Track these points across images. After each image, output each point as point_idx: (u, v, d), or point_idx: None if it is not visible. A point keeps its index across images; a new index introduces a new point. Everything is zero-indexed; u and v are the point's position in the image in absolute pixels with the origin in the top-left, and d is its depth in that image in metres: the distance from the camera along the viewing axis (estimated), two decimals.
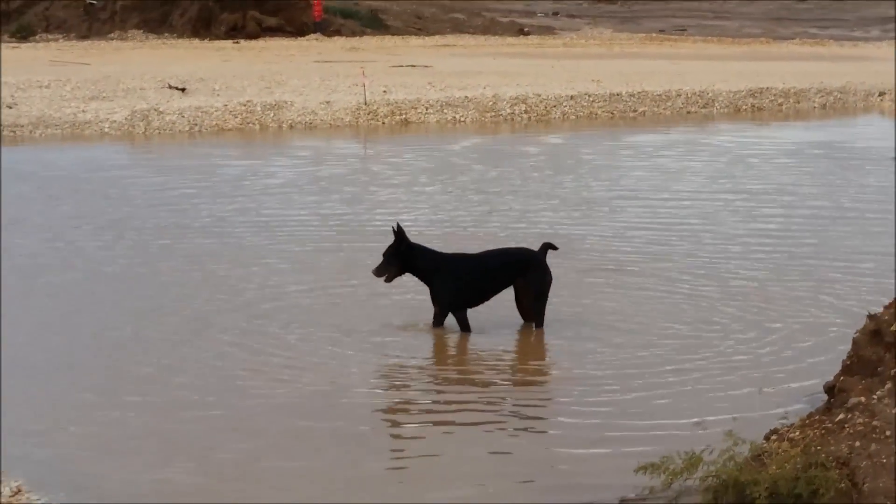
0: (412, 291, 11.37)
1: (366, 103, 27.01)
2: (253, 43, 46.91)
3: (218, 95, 28.39)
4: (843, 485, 5.67)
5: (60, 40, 48.87)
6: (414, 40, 49.42)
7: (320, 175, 19.74)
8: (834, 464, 5.83)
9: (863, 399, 6.29)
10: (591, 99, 28.55)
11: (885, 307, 6.87)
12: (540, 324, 10.70)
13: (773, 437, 6.49)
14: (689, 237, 14.55)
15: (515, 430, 8.61)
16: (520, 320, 10.84)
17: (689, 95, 29.35)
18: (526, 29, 53.81)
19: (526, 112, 27.55)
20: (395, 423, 8.81)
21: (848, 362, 6.72)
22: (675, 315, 11.12)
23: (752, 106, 29.57)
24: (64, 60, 38.70)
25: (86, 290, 12.26)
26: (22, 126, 24.85)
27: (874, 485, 5.69)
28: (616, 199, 17.26)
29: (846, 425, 6.16)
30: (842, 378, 6.62)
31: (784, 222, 15.51)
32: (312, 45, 46.25)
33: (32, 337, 10.70)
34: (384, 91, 28.75)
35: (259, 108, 26.46)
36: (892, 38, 48.35)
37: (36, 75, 31.82)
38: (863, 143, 23.95)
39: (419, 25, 53.54)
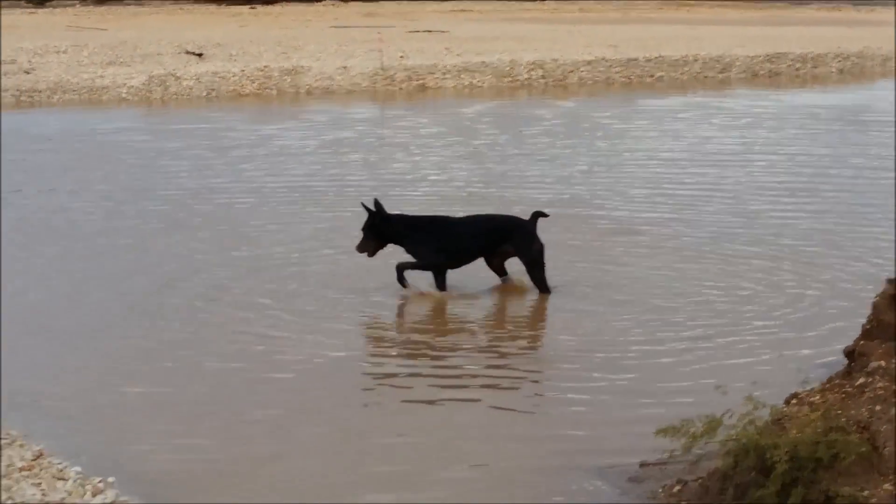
0: None
1: (383, 69, 26.98)
2: (269, 8, 46.90)
3: (235, 61, 28.39)
4: (863, 448, 5.69)
5: (77, 5, 48.92)
6: (430, 5, 49.29)
7: (339, 139, 19.75)
8: (854, 428, 5.84)
9: (883, 363, 6.30)
10: (608, 64, 28.49)
11: None
12: (544, 290, 10.66)
13: (794, 402, 6.51)
14: (710, 202, 14.54)
15: (536, 394, 8.65)
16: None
17: (707, 60, 29.27)
18: None
19: (543, 77, 27.51)
20: (406, 388, 8.79)
21: (868, 326, 6.71)
22: (696, 280, 11.12)
23: (770, 71, 29.49)
24: (81, 26, 38.71)
25: (107, 257, 12.34)
26: (40, 91, 24.95)
27: (894, 448, 5.72)
28: (638, 162, 17.27)
29: (866, 389, 6.17)
30: (862, 342, 6.62)
31: (805, 187, 15.48)
32: (329, 11, 46.21)
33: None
34: (401, 56, 28.70)
35: (276, 74, 26.47)
36: None
37: (53, 41, 31.87)
38: (884, 107, 23.83)
39: None
